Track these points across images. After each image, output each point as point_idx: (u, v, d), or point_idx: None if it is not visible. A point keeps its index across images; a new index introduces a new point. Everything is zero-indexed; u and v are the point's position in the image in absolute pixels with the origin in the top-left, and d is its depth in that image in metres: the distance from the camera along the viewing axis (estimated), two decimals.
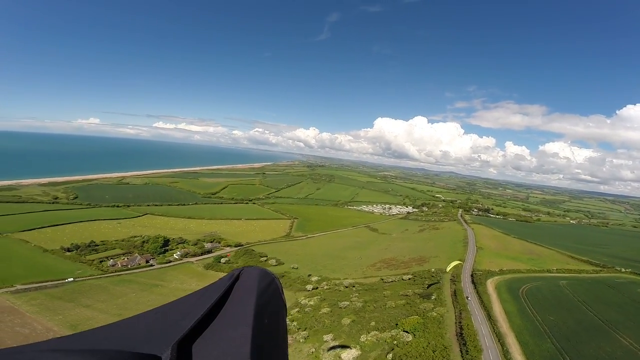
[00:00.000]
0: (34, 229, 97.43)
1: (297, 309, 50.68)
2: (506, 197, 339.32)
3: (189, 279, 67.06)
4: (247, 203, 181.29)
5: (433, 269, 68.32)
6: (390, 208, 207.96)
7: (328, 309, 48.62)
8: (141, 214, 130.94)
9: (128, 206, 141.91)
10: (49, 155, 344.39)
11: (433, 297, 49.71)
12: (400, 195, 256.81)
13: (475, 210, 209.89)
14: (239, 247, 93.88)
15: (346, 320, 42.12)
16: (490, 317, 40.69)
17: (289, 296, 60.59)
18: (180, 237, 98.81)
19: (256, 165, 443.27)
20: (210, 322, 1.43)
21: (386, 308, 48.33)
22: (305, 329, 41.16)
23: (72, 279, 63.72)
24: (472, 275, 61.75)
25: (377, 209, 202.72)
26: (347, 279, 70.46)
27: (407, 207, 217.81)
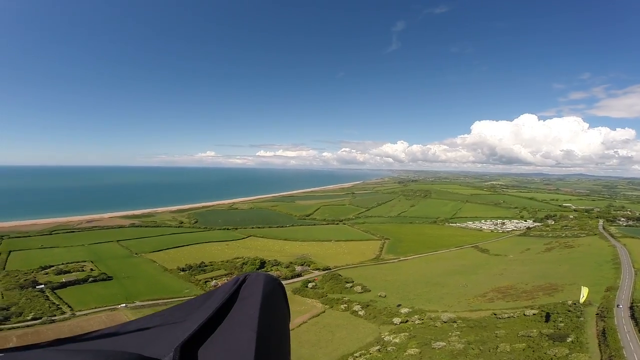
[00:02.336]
0: (161, 250, 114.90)
1: (377, 347, 45.05)
2: None
3: None
4: (337, 224, 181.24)
5: (569, 301, 53.18)
6: (503, 224, 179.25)
7: (417, 350, 41.65)
8: (245, 236, 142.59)
9: (236, 229, 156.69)
10: (178, 186, 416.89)
11: (569, 339, 38.35)
12: (516, 208, 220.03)
13: (622, 219, 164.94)
14: (326, 271, 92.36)
15: None
16: None
17: (371, 329, 55.21)
18: (275, 260, 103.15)
19: (346, 185, 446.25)
20: (215, 326, 1.43)
21: (498, 353, 38.93)
22: None
23: (181, 297, 71.72)
24: (631, 308, 46.64)
25: (486, 225, 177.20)
26: (446, 311, 60.68)
27: (525, 221, 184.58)
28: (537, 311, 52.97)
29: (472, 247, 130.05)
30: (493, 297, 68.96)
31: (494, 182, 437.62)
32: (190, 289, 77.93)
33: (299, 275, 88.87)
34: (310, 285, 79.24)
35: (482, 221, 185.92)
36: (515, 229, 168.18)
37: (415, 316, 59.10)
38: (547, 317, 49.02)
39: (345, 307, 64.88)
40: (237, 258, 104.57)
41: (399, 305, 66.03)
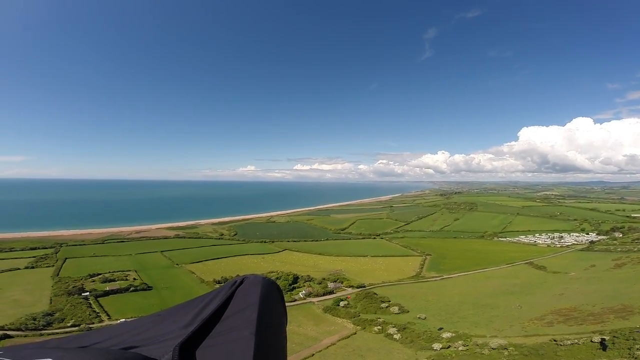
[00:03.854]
0: (200, 261, 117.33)
1: None
2: None
3: (306, 322, 64.96)
4: (374, 238, 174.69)
5: None
6: (561, 237, 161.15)
7: None
8: (281, 250, 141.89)
9: (272, 242, 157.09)
10: (220, 199, 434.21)
11: None
12: (575, 220, 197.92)
13: None
14: (360, 289, 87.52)
15: None
16: None
17: (407, 355, 49.90)
18: (308, 275, 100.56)
19: (383, 198, 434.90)
20: (213, 327, 1.45)
21: None
22: None
23: None
24: None
25: (541, 239, 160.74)
26: (495, 337, 53.63)
27: (587, 234, 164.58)
28: (609, 337, 44.85)
29: (526, 263, 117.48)
30: (552, 320, 60.31)
31: (548, 192, 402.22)
32: None
33: (331, 292, 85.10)
34: (342, 303, 75.01)
35: (537, 235, 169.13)
36: (575, 242, 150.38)
37: (459, 342, 52.82)
38: (603, 345, 41.26)
39: (379, 329, 59.99)
40: (271, 272, 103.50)
41: (441, 329, 59.76)
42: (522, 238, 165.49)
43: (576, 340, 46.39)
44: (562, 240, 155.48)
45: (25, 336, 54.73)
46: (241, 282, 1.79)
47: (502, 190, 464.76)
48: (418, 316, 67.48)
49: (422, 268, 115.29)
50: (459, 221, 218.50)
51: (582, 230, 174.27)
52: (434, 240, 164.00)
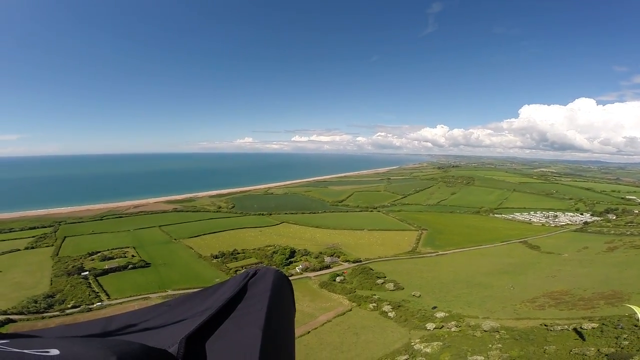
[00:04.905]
0: (198, 235, 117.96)
1: (405, 357, 41.26)
2: None
3: (302, 297, 66.11)
4: (371, 211, 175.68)
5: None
6: (555, 216, 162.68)
7: None
8: (279, 222, 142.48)
9: (270, 214, 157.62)
10: (218, 171, 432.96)
11: None
12: (570, 199, 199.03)
13: None
14: (357, 264, 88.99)
15: None
16: None
17: (401, 334, 51.26)
18: (305, 249, 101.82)
19: (381, 170, 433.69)
20: (222, 320, 1.46)
21: None
22: None
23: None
24: None
25: (536, 217, 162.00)
26: (488, 318, 54.87)
27: (581, 214, 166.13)
28: (597, 324, 45.78)
29: (521, 242, 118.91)
30: (544, 303, 61.65)
31: (545, 169, 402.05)
32: (221, 278, 78.75)
33: (327, 267, 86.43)
34: (338, 279, 76.40)
35: (532, 213, 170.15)
36: (569, 223, 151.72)
37: (452, 322, 54.13)
38: (580, 335, 42.24)
39: (374, 306, 61.44)
40: (269, 246, 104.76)
41: (435, 308, 61.18)
42: (517, 215, 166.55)
43: (566, 326, 47.29)
44: (557, 220, 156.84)
45: (28, 320, 55.67)
46: (254, 274, 1.82)
47: (499, 165, 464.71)
48: (413, 293, 68.93)
49: (418, 243, 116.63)
50: (455, 195, 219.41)
51: (577, 210, 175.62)
52: (430, 215, 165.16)
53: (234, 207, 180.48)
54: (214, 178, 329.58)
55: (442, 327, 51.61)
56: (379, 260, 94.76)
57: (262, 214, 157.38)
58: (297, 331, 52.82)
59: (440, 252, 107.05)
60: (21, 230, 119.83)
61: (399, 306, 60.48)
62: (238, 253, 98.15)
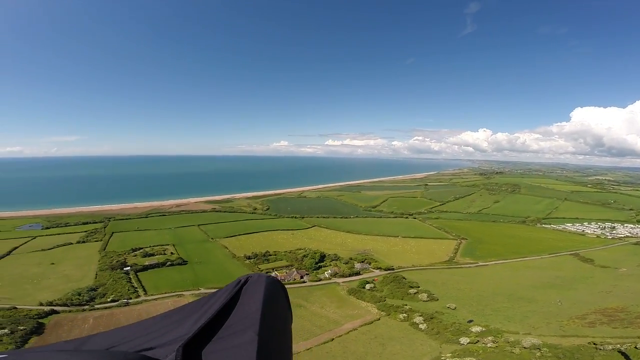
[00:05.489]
0: (234, 235, 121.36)
1: None
2: None
3: (329, 303, 65.09)
4: (406, 217, 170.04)
5: None
6: (613, 228, 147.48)
7: None
8: (311, 226, 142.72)
9: (302, 217, 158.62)
10: (255, 174, 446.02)
11: None
12: (631, 210, 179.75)
13: None
14: (388, 272, 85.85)
15: None
16: None
17: (431, 347, 48.31)
18: (335, 254, 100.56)
19: (418, 175, 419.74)
20: (217, 327, 1.48)
21: None
22: None
23: None
24: None
25: (590, 228, 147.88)
26: (529, 334, 50.55)
27: None
28: None
29: (572, 254, 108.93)
30: (595, 320, 55.80)
31: (601, 177, 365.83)
32: None
33: (357, 273, 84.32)
34: (368, 286, 74.13)
35: (585, 223, 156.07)
36: (629, 235, 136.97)
37: (489, 337, 50.27)
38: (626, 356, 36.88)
39: (404, 316, 58.68)
40: (300, 249, 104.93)
41: (471, 322, 57.32)
42: (569, 226, 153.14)
43: (618, 346, 42.22)
44: (614, 232, 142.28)
45: (70, 312, 59.70)
46: (245, 282, 1.82)
47: (548, 173, 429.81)
48: (448, 305, 65.20)
49: (456, 253, 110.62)
50: (499, 204, 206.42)
51: (638, 221, 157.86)
52: (470, 223, 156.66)
53: (268, 209, 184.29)
54: (250, 180, 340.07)
55: (477, 342, 48.09)
56: (413, 269, 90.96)
57: (295, 217, 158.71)
58: (321, 338, 52.45)
59: (481, 263, 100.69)
60: (75, 224, 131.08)
61: (431, 318, 57.29)
62: (270, 255, 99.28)
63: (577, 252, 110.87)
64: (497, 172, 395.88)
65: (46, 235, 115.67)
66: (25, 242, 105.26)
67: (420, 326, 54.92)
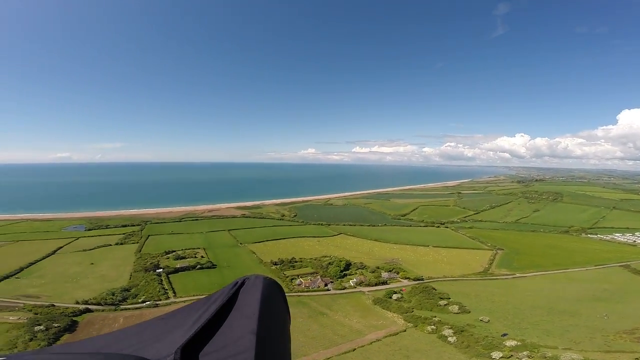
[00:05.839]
0: (262, 241, 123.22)
1: None
2: None
3: (353, 312, 63.68)
4: (438, 227, 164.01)
5: None
6: None
7: None
8: (337, 233, 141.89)
9: (329, 225, 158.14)
10: (283, 180, 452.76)
11: None
12: None
13: None
14: (417, 282, 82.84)
15: None
16: None
17: None
18: (361, 262, 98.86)
19: (450, 183, 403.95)
20: (215, 329, 1.49)
21: None
22: None
23: None
24: None
25: None
26: (569, 349, 46.74)
27: None
28: None
29: (621, 266, 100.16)
30: None
31: None
32: None
33: (384, 282, 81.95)
34: (395, 296, 71.78)
35: (637, 234, 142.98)
36: None
37: (524, 352, 46.88)
38: None
39: (432, 328, 56.14)
40: (325, 257, 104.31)
41: (505, 335, 53.88)
42: (618, 236, 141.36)
43: None
44: None
45: (102, 311, 62.90)
46: (243, 283, 1.83)
47: (594, 180, 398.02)
48: (480, 318, 61.80)
49: (491, 264, 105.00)
50: (539, 213, 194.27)
51: None
52: (507, 233, 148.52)
53: (295, 215, 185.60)
54: (279, 187, 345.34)
55: (510, 357, 45.06)
56: (444, 280, 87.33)
57: (321, 224, 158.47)
58: (342, 347, 51.52)
59: (518, 275, 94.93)
60: (115, 227, 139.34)
61: (461, 331, 54.37)
62: (296, 261, 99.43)
63: (628, 263, 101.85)
64: (536, 180, 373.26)
65: (88, 236, 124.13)
66: (69, 242, 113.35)
67: (449, 339, 52.22)
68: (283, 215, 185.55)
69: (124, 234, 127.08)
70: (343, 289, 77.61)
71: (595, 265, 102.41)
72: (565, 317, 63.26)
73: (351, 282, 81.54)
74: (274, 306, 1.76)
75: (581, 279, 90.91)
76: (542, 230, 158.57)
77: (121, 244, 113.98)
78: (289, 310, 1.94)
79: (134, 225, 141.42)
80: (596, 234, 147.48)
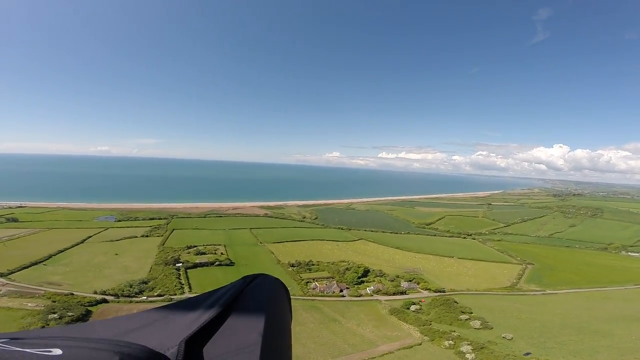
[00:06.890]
0: (281, 242, 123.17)
1: None
2: None
3: (367, 321, 61.59)
4: (464, 238, 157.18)
5: None
6: None
7: None
8: (357, 239, 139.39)
9: (349, 229, 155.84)
10: (307, 182, 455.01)
11: None
12: None
13: None
14: (438, 293, 79.22)
15: None
16: None
17: None
18: (380, 270, 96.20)
19: (480, 193, 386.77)
20: (220, 324, 1.49)
21: None
22: None
23: None
24: None
25: None
26: None
27: None
28: None
29: None
30: None
31: None
32: (291, 288, 79.86)
33: (403, 292, 79.01)
34: (413, 307, 68.89)
35: None
36: None
37: None
38: None
39: (450, 343, 53.21)
40: (343, 261, 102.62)
41: (528, 354, 50.36)
42: None
43: None
44: None
45: (118, 302, 64.05)
46: (251, 281, 1.85)
47: (638, 196, 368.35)
48: (503, 335, 58.18)
49: (519, 278, 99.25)
50: (575, 228, 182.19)
51: None
52: (539, 248, 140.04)
53: (316, 218, 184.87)
54: (302, 189, 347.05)
55: None
56: (467, 293, 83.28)
57: (342, 229, 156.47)
58: (352, 357, 49.85)
59: (549, 292, 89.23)
60: (143, 219, 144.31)
61: (481, 347, 51.13)
62: (313, 264, 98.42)
63: None
64: (574, 194, 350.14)
65: (117, 227, 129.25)
66: (99, 232, 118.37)
67: (467, 355, 49.25)
68: (304, 217, 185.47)
69: (150, 226, 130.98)
70: (359, 296, 75.65)
71: (635, 284, 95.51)
72: (597, 337, 58.88)
73: (368, 290, 79.43)
74: (279, 306, 1.77)
75: (618, 298, 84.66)
76: (577, 246, 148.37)
77: (147, 236, 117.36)
78: (291, 310, 1.96)
79: (160, 219, 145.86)
80: (638, 252, 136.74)
